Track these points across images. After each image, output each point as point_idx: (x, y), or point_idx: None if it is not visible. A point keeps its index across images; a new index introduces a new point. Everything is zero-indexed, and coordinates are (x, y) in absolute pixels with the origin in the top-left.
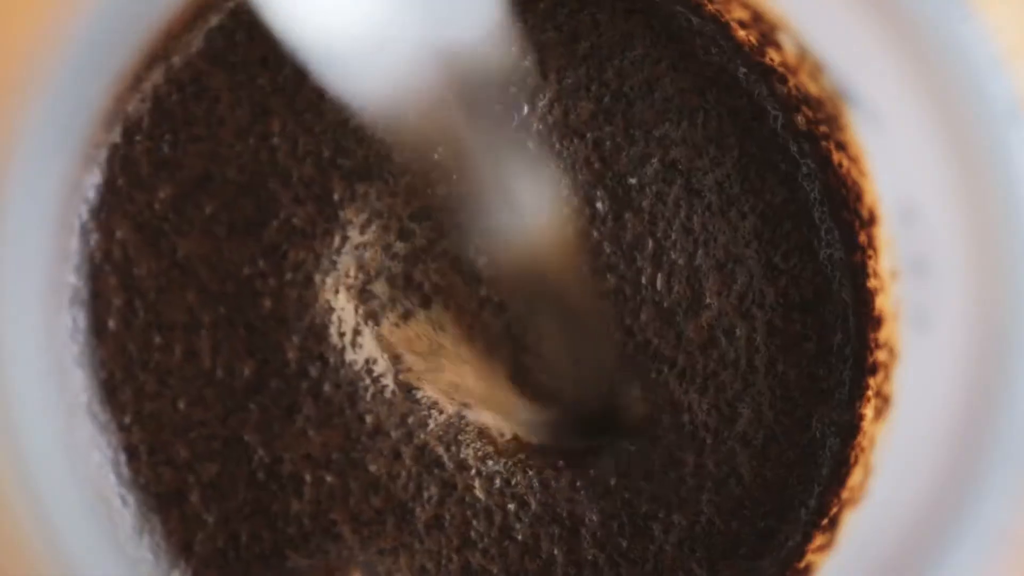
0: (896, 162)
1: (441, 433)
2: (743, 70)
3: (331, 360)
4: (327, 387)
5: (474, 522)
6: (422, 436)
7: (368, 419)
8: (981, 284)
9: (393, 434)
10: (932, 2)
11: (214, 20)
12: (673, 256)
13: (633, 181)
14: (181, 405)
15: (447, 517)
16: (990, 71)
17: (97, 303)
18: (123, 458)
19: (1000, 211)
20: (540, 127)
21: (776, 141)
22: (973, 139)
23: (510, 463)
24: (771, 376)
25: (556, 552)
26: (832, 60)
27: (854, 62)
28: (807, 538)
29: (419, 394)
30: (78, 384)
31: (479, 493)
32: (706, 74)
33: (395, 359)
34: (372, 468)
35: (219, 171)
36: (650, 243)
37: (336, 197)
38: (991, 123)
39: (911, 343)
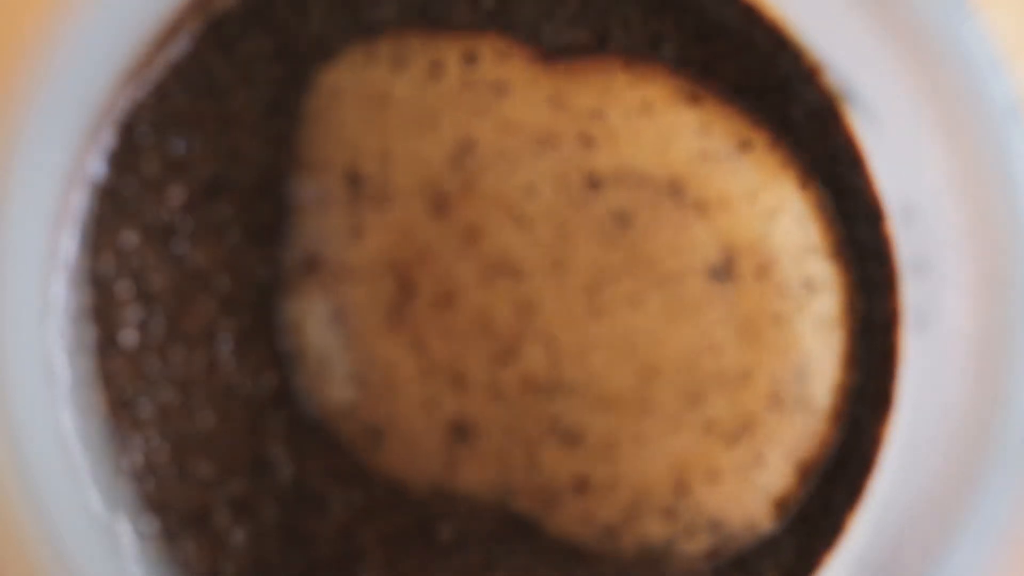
0: (896, 162)
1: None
2: (780, 70)
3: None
4: None
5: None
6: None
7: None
8: (981, 284)
9: None
10: (932, 2)
11: (222, 9)
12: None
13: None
14: (205, 420)
15: (471, 532)
16: (990, 71)
17: (110, 315)
18: (142, 478)
19: (1000, 211)
20: None
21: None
22: (973, 139)
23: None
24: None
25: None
26: (832, 60)
27: (854, 62)
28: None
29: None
30: (88, 400)
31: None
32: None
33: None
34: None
35: (232, 171)
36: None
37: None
38: (991, 123)
39: (911, 343)
